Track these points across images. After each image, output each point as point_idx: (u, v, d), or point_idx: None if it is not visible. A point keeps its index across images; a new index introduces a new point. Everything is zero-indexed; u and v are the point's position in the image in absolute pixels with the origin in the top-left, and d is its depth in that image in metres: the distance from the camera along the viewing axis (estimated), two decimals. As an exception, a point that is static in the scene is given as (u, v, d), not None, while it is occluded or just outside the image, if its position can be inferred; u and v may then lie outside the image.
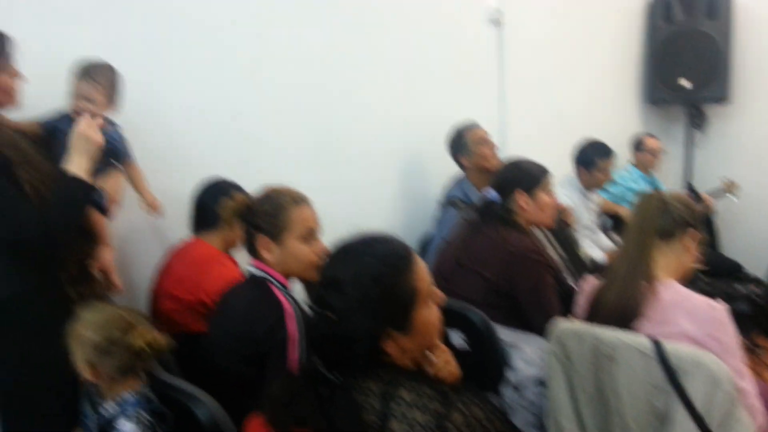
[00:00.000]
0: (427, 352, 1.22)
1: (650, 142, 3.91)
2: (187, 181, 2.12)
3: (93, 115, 1.72)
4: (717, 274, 3.40)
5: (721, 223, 4.27)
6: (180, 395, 1.46)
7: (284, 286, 1.65)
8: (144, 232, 2.21)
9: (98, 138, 1.66)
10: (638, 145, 3.93)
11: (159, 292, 2.03)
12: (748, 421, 1.51)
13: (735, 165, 4.25)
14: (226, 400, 1.48)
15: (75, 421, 1.53)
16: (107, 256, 1.84)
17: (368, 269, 1.10)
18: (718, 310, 1.57)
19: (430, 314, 1.16)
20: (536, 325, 1.92)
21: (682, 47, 4.08)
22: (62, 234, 1.60)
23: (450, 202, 2.87)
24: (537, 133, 3.60)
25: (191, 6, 2.27)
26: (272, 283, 1.63)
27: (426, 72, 3.09)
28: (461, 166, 3.00)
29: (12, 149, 1.51)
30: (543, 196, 2.18)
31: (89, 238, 1.77)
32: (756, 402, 1.58)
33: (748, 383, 1.58)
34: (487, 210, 2.20)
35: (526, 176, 2.19)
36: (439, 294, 1.19)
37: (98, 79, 1.82)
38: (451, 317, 1.81)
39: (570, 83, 3.85)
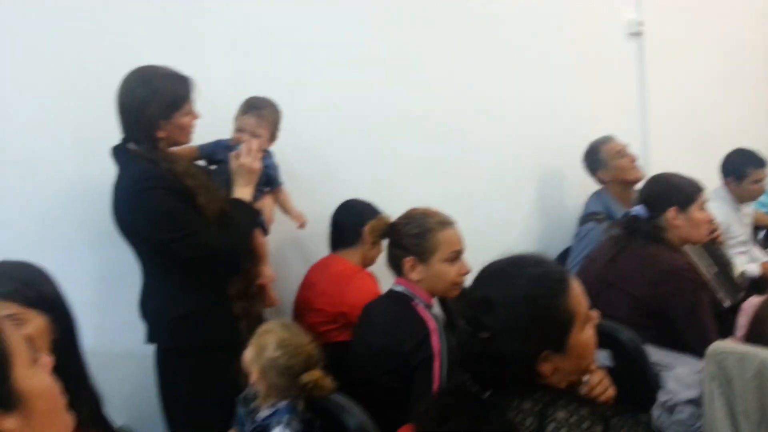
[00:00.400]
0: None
1: None
2: (326, 201, 2.23)
3: (251, 148, 1.83)
4: None
5: None
6: (330, 405, 1.52)
7: (428, 305, 1.68)
8: (286, 250, 2.33)
9: (259, 168, 1.80)
10: None
11: (303, 305, 2.15)
12: None
13: None
14: (373, 410, 1.52)
15: (230, 424, 1.64)
16: (268, 273, 1.97)
17: (521, 291, 1.09)
18: None
19: (586, 337, 1.13)
20: (691, 346, 1.80)
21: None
22: (241, 253, 1.75)
23: (590, 217, 2.77)
24: (680, 144, 3.43)
25: (322, 35, 2.37)
26: (416, 301, 1.67)
27: (563, 84, 3.04)
28: (600, 181, 2.90)
29: (191, 179, 1.66)
30: (697, 213, 2.07)
31: (252, 257, 1.90)
32: None
33: None
34: (633, 226, 2.10)
35: (680, 192, 2.09)
36: (596, 316, 1.15)
37: (265, 115, 1.93)
38: (599, 337, 1.75)
39: (715, 93, 3.64)
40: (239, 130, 1.91)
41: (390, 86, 2.55)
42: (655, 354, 1.80)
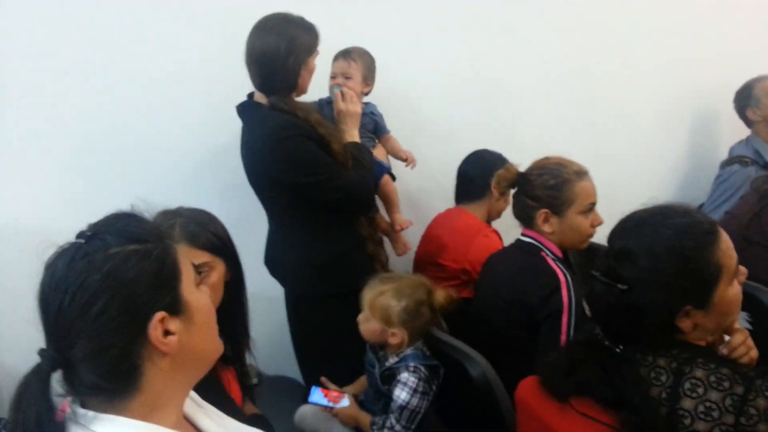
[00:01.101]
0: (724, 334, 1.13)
1: None
2: (449, 153, 2.22)
3: (346, 92, 1.86)
4: None
5: None
6: (454, 352, 1.56)
7: (558, 257, 1.65)
8: (404, 202, 2.35)
9: (358, 108, 1.84)
10: None
11: (423, 259, 2.17)
12: None
13: None
14: (494, 360, 1.54)
15: (361, 368, 1.74)
16: (401, 219, 2.03)
17: (666, 241, 1.05)
18: None
19: (732, 293, 1.07)
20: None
21: None
22: (372, 192, 1.83)
23: (735, 160, 2.57)
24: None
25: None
26: (545, 252, 1.65)
27: (706, 24, 2.80)
28: (749, 122, 2.68)
29: (323, 127, 1.72)
30: None
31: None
32: None
33: None
34: None
35: None
36: (744, 272, 1.09)
37: (355, 58, 1.98)
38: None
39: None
40: (332, 76, 1.99)
41: (518, 31, 2.47)
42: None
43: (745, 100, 2.67)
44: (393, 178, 2.03)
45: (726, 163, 2.64)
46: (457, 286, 2.03)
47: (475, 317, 1.77)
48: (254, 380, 1.62)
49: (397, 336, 1.56)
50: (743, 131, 2.72)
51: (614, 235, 1.14)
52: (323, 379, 1.71)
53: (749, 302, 1.69)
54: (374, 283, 1.60)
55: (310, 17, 1.71)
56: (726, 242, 1.06)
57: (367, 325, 1.59)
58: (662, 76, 2.74)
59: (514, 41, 2.47)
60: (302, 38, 1.67)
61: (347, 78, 1.96)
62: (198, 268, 0.96)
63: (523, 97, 2.51)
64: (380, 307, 1.56)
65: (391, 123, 2.13)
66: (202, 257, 1.26)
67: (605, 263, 1.12)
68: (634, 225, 1.12)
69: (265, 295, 1.87)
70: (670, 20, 2.71)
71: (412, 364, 1.56)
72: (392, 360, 1.59)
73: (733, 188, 2.45)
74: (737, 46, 2.84)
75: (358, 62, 1.98)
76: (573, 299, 1.53)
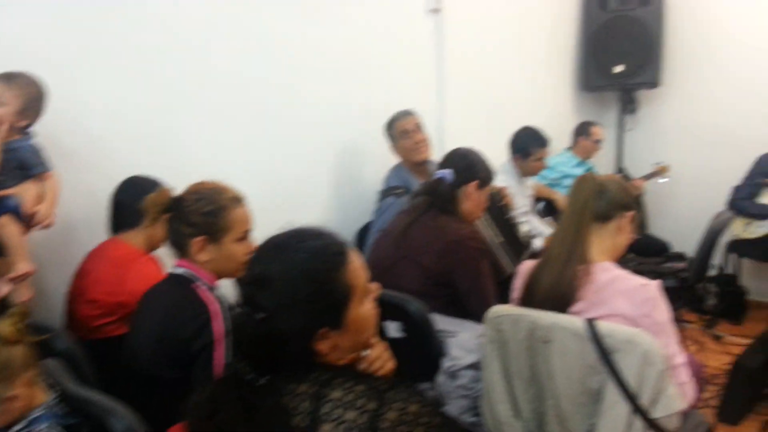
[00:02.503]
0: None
1: (596, 131, 3.96)
2: (112, 182, 2.00)
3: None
4: (646, 254, 3.50)
5: (651, 204, 4.40)
6: (94, 408, 1.35)
7: (211, 287, 1.56)
8: (62, 236, 2.05)
9: None
10: (584, 133, 3.96)
11: (75, 296, 1.91)
12: (679, 398, 1.54)
13: (665, 148, 4.38)
14: (150, 407, 1.38)
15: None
16: (22, 265, 1.70)
17: (299, 265, 1.03)
18: (651, 289, 1.58)
19: (365, 311, 1.10)
20: (474, 312, 1.91)
21: (616, 34, 4.14)
22: None
23: (390, 191, 2.82)
24: (476, 120, 3.60)
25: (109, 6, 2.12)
26: (198, 283, 1.55)
27: (364, 61, 3.03)
28: (397, 155, 2.97)
29: None
30: (484, 195, 2.23)
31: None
32: (686, 377, 1.61)
33: (681, 360, 1.61)
34: (435, 189, 2.19)
35: (485, 171, 2.24)
36: (376, 289, 1.13)
37: (16, 82, 1.72)
38: (390, 308, 1.78)
39: (508, 71, 3.87)
40: None
41: (187, 60, 2.35)
42: (442, 322, 1.88)
43: (388, 137, 2.95)
44: (20, 219, 1.72)
45: (383, 195, 2.88)
46: (114, 323, 1.82)
47: (128, 360, 1.58)
48: None
49: (18, 399, 1.28)
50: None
51: (253, 261, 1.09)
52: None
53: (400, 312, 1.85)
54: None
55: None
56: (355, 262, 1.09)
57: None
58: (326, 106, 2.88)
59: (197, 79, 2.37)
60: None
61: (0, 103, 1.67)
62: None
63: (187, 126, 2.39)
64: None
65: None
66: None
67: (244, 291, 1.07)
68: (270, 250, 1.08)
69: None
70: (333, 60, 2.88)
71: (43, 427, 1.31)
72: (16, 428, 1.31)
73: (391, 218, 2.65)
74: (392, 82, 3.16)
75: (19, 89, 1.72)
76: (230, 331, 1.45)
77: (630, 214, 1.72)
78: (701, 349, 3.36)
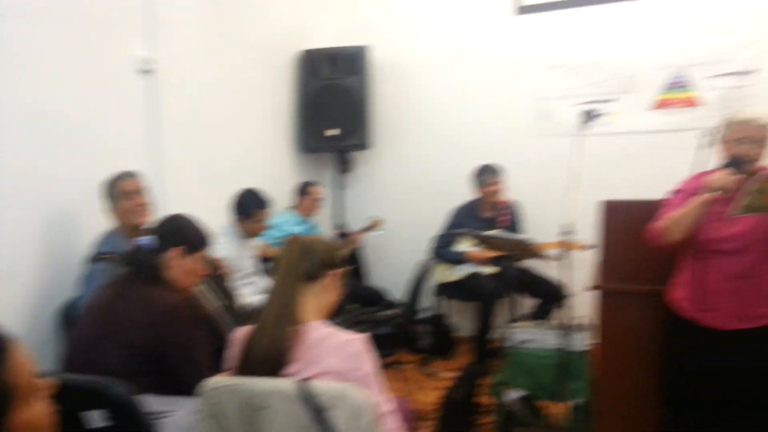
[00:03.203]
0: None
1: (315, 190, 4.21)
2: None
3: None
4: (365, 303, 3.75)
5: (369, 256, 4.76)
6: None
7: None
8: None
9: None
10: (304, 192, 4.19)
11: None
12: (389, 443, 1.64)
13: (380, 203, 4.83)
14: None
15: None
16: None
17: None
18: (358, 343, 1.68)
19: (34, 414, 0.96)
20: (190, 386, 1.80)
21: (329, 100, 4.49)
22: None
23: (100, 256, 2.56)
24: (196, 182, 3.53)
25: None
26: None
27: (70, 121, 2.76)
28: (114, 218, 2.74)
29: None
30: (194, 263, 2.12)
31: None
32: (395, 423, 1.73)
33: (388, 405, 1.72)
34: (135, 258, 2.03)
35: (190, 236, 2.12)
36: (47, 387, 1.00)
37: None
38: (90, 396, 1.59)
39: (227, 133, 3.88)
40: None
41: None
42: (155, 402, 1.75)
43: (106, 198, 2.74)
44: None
45: (92, 260, 2.62)
46: None
47: None
48: None
49: None
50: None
51: None
52: None
53: (101, 399, 1.66)
54: None
55: None
56: (18, 358, 0.95)
57: None
58: (33, 178, 2.56)
59: None
60: None
61: None
62: None
63: None
64: None
65: None
66: None
67: None
68: None
69: None
70: (37, 124, 2.58)
71: None
72: None
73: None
74: (105, 145, 2.93)
75: None
76: None
77: (336, 272, 1.82)
78: (419, 387, 3.67)
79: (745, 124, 2.18)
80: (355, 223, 4.65)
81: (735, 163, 2.16)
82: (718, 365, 2.27)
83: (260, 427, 1.60)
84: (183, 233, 2.10)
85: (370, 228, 4.38)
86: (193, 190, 3.41)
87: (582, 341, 3.06)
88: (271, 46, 4.42)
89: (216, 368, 1.86)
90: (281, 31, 4.56)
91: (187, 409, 1.76)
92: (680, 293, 2.38)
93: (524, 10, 4.44)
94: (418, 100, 4.77)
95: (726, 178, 2.13)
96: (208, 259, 2.19)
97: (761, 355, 2.22)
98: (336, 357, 1.65)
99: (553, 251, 3.22)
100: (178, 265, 2.06)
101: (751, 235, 2.19)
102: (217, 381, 1.66)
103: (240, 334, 1.78)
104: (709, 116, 2.34)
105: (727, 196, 2.14)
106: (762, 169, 2.17)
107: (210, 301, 2.44)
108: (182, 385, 1.86)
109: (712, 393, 2.29)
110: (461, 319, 4.43)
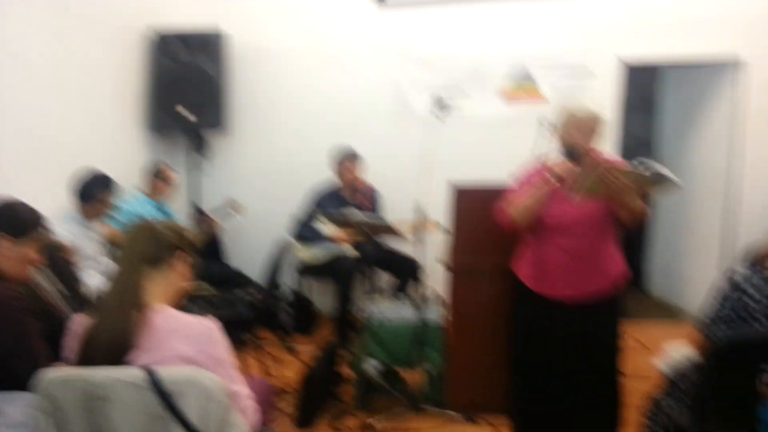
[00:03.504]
0: None
1: (168, 172, 4.01)
2: None
3: None
4: (223, 284, 3.69)
5: (229, 238, 4.66)
6: None
7: None
8: None
9: None
10: (156, 174, 3.99)
11: None
12: (241, 423, 1.65)
13: (238, 186, 4.73)
14: None
15: None
16: None
17: None
18: (208, 327, 1.66)
19: None
20: (23, 379, 1.68)
21: (182, 80, 4.33)
22: None
23: None
24: (33, 163, 3.23)
25: None
26: None
27: None
28: None
29: None
30: (28, 249, 1.94)
31: None
32: (249, 402, 1.74)
33: (241, 386, 1.72)
34: None
35: (19, 222, 1.93)
36: None
37: None
38: None
39: (68, 112, 3.60)
40: None
41: None
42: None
43: None
44: None
45: None
46: None
47: None
48: None
49: None
50: None
51: None
52: None
53: None
54: None
55: None
56: None
57: None
58: None
59: None
60: None
61: None
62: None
63: None
64: None
65: None
66: None
67: None
68: None
69: None
70: None
71: None
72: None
73: None
74: None
75: None
76: None
77: (182, 254, 1.77)
78: (281, 363, 3.67)
79: (578, 118, 2.41)
80: (212, 206, 4.52)
81: (569, 153, 2.38)
82: (555, 332, 2.51)
83: (106, 419, 1.53)
84: (8, 220, 1.93)
85: (226, 210, 4.28)
86: (28, 172, 3.13)
87: (436, 314, 3.24)
88: (117, 23, 4.16)
89: (55, 360, 1.75)
90: (129, 5, 4.31)
91: (19, 405, 1.64)
92: (523, 268, 2.61)
93: (384, 3, 4.60)
94: (278, 86, 4.75)
95: (562, 166, 2.36)
96: (44, 245, 2.02)
97: (592, 322, 2.49)
98: (185, 342, 1.62)
99: (408, 230, 3.37)
100: (6, 254, 1.89)
101: (587, 217, 2.44)
102: (52, 373, 1.56)
103: (80, 321, 1.69)
104: (548, 110, 2.58)
105: (563, 183, 2.36)
106: (594, 153, 2.41)
107: (48, 288, 2.27)
108: (16, 379, 1.73)
109: (550, 357, 2.53)
110: (322, 297, 4.50)
